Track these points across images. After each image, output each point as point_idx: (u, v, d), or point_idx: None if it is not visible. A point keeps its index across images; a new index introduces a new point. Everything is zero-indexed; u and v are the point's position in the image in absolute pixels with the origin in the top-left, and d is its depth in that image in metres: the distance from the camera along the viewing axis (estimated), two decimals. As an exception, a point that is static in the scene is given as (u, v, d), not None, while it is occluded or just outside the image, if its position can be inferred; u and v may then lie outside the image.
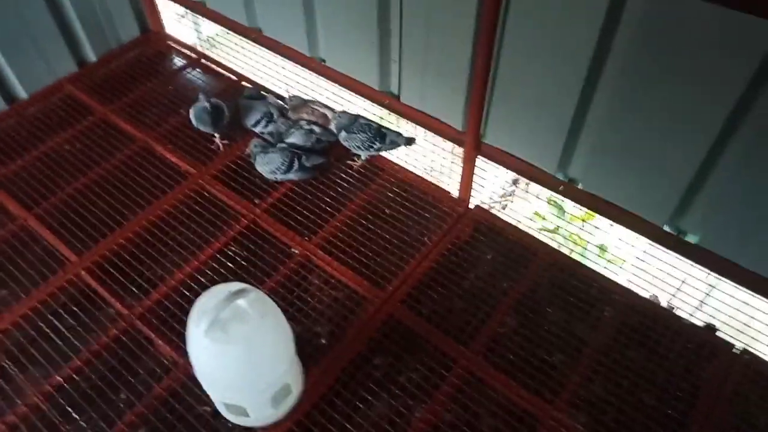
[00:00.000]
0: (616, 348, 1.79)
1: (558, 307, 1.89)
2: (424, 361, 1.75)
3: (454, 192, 2.21)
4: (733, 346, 1.78)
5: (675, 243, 1.80)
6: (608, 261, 2.18)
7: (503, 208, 3.66)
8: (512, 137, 2.00)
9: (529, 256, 2.03)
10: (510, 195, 3.78)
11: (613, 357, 1.76)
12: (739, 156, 1.52)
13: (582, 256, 2.64)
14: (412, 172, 2.30)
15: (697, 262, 1.79)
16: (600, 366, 1.74)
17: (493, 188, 3.53)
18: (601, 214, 1.93)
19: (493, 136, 2.04)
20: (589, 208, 1.98)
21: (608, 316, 1.87)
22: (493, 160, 2.09)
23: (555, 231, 3.31)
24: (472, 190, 2.16)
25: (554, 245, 2.07)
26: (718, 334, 1.82)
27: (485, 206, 2.21)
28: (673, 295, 1.96)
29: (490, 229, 2.12)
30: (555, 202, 3.58)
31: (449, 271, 1.99)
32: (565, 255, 2.06)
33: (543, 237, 2.10)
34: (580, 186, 1.94)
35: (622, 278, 2.00)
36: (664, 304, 2.02)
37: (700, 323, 1.89)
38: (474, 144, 2.03)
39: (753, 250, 1.65)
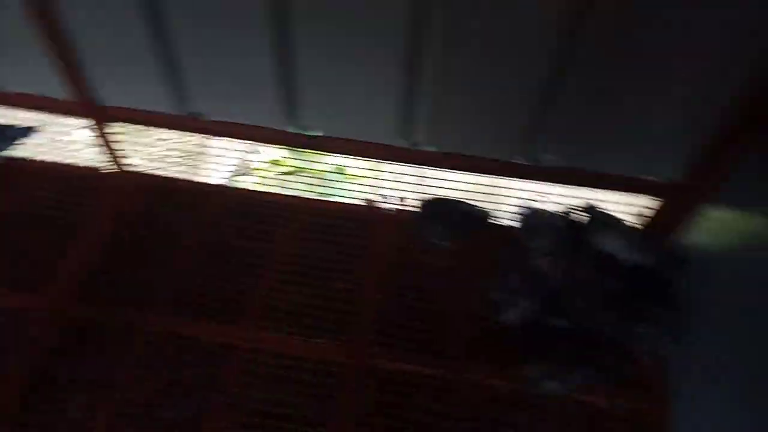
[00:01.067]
0: (301, 252, 1.89)
1: (240, 236, 1.92)
2: (106, 347, 1.66)
3: (111, 167, 2.05)
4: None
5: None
6: (352, 180, 2.26)
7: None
8: (127, 89, 1.87)
9: (208, 200, 2.00)
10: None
11: (298, 261, 1.86)
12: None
13: (325, 185, 2.75)
14: (52, 162, 2.07)
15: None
16: (286, 274, 1.83)
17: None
18: (238, 138, 1.95)
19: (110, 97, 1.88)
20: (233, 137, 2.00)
21: (291, 228, 1.95)
22: (125, 121, 1.96)
23: (295, 172, 3.39)
24: (122, 157, 2.02)
25: (300, 185, 2.05)
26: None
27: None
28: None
29: (160, 189, 2.03)
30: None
31: (125, 245, 1.88)
32: (237, 188, 2.10)
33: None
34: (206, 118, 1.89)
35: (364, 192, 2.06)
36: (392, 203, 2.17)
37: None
38: (92, 111, 1.87)
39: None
